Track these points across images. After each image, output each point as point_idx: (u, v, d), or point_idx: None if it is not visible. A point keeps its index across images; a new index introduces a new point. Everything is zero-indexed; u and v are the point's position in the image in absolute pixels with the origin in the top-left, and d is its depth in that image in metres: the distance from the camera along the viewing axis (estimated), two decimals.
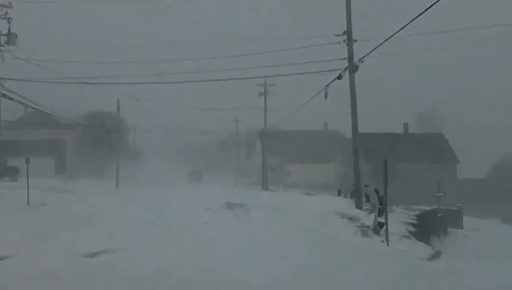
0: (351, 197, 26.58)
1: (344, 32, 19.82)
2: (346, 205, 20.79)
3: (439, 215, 25.48)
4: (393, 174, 47.84)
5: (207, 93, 71.66)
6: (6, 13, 27.43)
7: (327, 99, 20.96)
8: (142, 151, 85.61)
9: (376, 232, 16.10)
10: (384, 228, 15.31)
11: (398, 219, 18.44)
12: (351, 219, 18.10)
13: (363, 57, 19.05)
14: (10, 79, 28.19)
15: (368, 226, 16.84)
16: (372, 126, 66.70)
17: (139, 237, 13.70)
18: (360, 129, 21.45)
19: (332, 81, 19.97)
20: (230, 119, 73.12)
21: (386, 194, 15.67)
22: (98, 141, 57.66)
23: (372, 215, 17.23)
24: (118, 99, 48.29)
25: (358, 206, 19.22)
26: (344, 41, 19.84)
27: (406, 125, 53.84)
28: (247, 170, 77.75)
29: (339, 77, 19.48)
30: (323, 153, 65.19)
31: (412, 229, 17.78)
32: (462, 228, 27.77)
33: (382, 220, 15.62)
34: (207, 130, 68.78)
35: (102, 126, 55.45)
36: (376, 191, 19.76)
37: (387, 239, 14.97)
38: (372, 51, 17.93)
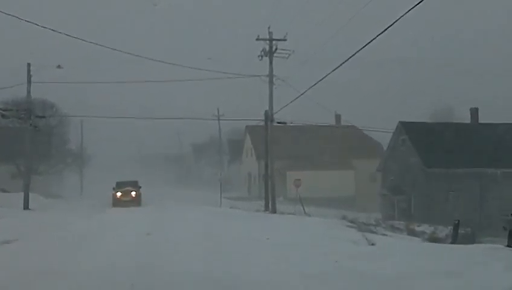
0: None
1: None
2: None
3: None
4: (487, 186, 29.78)
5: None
6: None
7: None
8: (95, 156, 67.09)
9: None
10: None
11: None
12: None
13: None
14: None
15: None
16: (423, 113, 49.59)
17: None
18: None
19: None
20: (210, 113, 54.73)
21: None
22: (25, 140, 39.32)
23: None
24: (29, 63, 28.92)
25: None
26: None
27: (474, 111, 35.74)
28: (230, 181, 59.29)
29: None
30: (339, 156, 47.20)
31: None
32: None
33: None
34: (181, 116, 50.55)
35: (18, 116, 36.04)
36: None
37: None
38: None
